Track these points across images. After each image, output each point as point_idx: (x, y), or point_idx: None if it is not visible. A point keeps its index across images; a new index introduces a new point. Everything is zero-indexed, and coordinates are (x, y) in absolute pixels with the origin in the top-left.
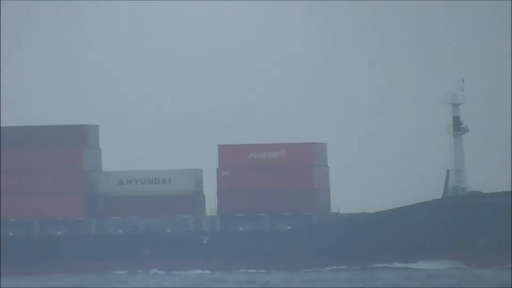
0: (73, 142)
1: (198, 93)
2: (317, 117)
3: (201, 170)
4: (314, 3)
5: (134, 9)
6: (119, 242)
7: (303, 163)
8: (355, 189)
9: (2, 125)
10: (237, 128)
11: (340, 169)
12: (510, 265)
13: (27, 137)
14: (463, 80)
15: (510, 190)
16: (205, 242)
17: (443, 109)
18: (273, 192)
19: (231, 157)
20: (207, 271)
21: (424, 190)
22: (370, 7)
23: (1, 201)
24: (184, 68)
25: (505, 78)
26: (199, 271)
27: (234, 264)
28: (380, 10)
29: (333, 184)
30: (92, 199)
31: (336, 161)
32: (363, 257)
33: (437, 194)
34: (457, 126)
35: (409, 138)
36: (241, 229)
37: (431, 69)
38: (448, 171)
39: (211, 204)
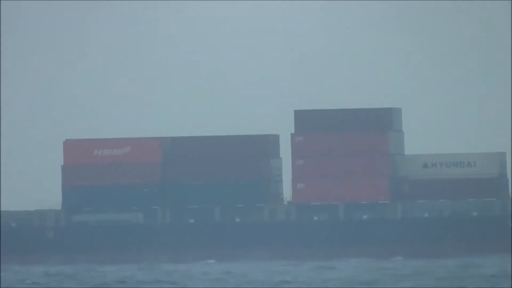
0: (379, 125)
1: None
2: None
3: (505, 153)
4: None
5: None
6: (423, 226)
7: None
8: None
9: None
10: None
11: None
12: None
13: (331, 120)
14: None
15: None
16: (511, 225)
17: None
18: None
19: None
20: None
21: None
22: None
23: (306, 186)
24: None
25: None
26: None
27: None
28: None
29: None
30: (397, 183)
31: None
32: None
33: None
34: None
35: None
36: None
37: None
38: None
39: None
